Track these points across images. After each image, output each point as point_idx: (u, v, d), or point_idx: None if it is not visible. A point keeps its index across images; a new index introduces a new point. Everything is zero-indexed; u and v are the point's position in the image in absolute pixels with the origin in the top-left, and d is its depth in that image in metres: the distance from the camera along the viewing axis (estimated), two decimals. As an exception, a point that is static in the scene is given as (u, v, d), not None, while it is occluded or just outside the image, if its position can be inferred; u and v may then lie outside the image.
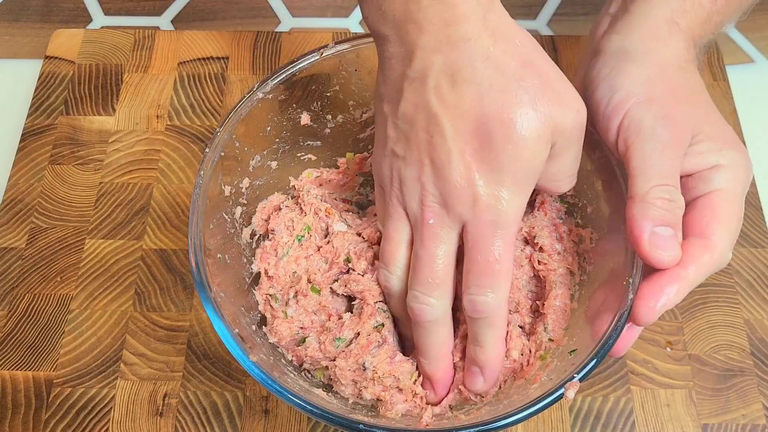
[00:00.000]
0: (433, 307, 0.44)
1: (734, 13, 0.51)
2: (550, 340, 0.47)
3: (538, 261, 0.49)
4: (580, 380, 0.41)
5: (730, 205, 0.43)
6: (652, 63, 0.46)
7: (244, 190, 0.52)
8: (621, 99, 0.45)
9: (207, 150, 0.48)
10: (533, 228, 0.50)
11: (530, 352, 0.47)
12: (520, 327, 0.49)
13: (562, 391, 0.41)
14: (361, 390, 0.47)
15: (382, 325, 0.48)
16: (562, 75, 0.41)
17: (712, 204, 0.43)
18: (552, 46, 0.74)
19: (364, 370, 0.47)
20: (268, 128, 0.53)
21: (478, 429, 0.40)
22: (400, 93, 0.42)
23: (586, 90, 0.48)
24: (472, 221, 0.42)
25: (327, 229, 0.52)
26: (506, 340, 0.47)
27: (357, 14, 0.80)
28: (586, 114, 0.42)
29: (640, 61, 0.46)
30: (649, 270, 0.42)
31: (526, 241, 0.51)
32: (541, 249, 0.50)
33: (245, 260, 0.52)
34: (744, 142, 0.68)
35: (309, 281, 0.50)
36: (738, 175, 0.44)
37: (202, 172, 0.47)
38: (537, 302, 0.49)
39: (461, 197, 0.42)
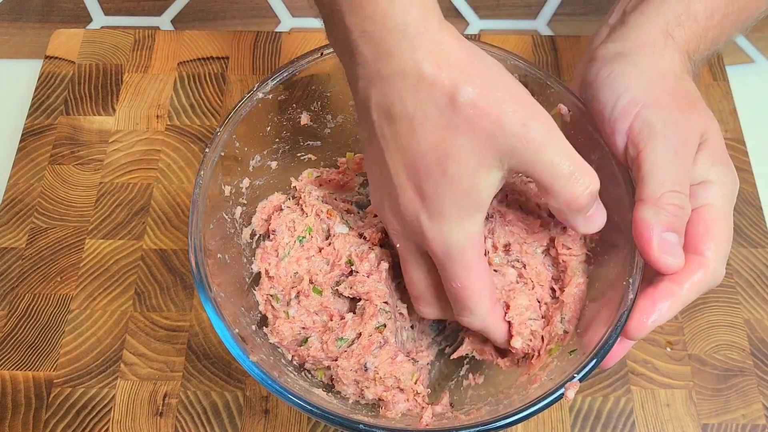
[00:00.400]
0: (427, 314, 0.48)
1: (732, 28, 0.51)
2: (565, 332, 0.46)
3: (563, 245, 0.48)
4: (580, 380, 0.41)
5: (720, 222, 0.43)
6: (649, 69, 0.46)
7: (244, 190, 0.52)
8: (628, 102, 0.44)
9: (207, 150, 0.48)
10: None
11: (542, 341, 0.47)
12: (538, 301, 0.48)
13: (562, 391, 0.41)
14: (363, 390, 0.47)
15: (384, 325, 0.48)
16: (507, 87, 0.39)
17: (704, 220, 0.43)
18: (552, 46, 0.74)
19: (366, 370, 0.47)
20: (268, 128, 0.53)
21: (478, 429, 0.40)
22: (360, 118, 0.43)
23: (585, 93, 0.48)
24: (429, 252, 0.43)
25: (328, 230, 0.52)
26: (510, 328, 0.47)
27: (357, 14, 0.80)
28: (545, 118, 0.39)
29: (638, 65, 0.46)
30: (645, 280, 0.43)
31: (551, 215, 0.49)
32: (564, 228, 0.48)
33: (245, 260, 0.52)
34: (744, 142, 0.68)
35: (311, 282, 0.50)
36: (727, 191, 0.44)
37: (202, 172, 0.47)
38: (554, 287, 0.49)
39: (413, 231, 0.43)
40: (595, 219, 0.42)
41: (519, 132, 0.38)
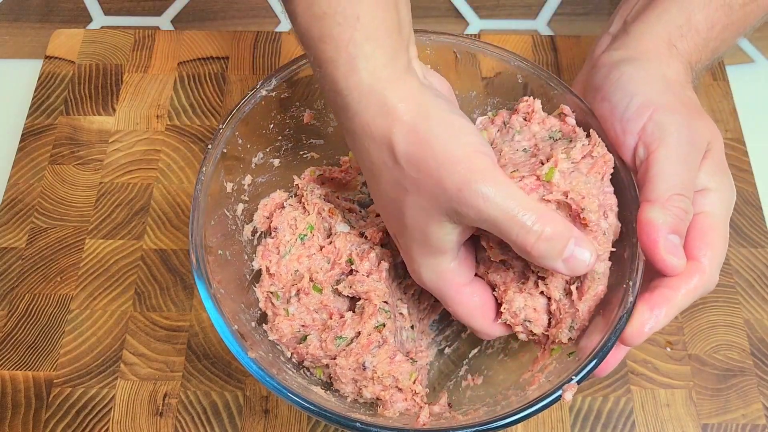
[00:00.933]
0: None
1: (732, 38, 0.51)
2: (570, 339, 0.45)
3: None
4: (578, 382, 0.41)
5: (717, 229, 0.44)
6: (657, 75, 0.46)
7: (246, 187, 0.52)
8: (641, 104, 0.44)
9: (209, 146, 0.48)
10: (576, 186, 0.42)
11: (546, 339, 0.46)
12: (542, 293, 0.45)
13: (559, 393, 0.41)
14: (361, 389, 0.47)
15: (383, 325, 0.48)
16: (451, 149, 0.38)
17: (701, 227, 0.44)
18: (552, 46, 0.74)
19: (364, 369, 0.47)
20: (271, 126, 0.53)
21: (475, 429, 0.40)
22: None
23: (595, 96, 0.47)
24: None
25: (330, 229, 0.53)
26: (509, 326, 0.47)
27: (357, 14, 0.80)
28: (487, 177, 0.38)
29: (646, 70, 0.46)
30: (644, 284, 0.43)
31: (570, 208, 0.43)
32: (584, 223, 0.42)
33: (246, 257, 0.52)
34: (744, 142, 0.68)
35: (311, 280, 0.50)
36: (724, 199, 0.45)
37: (204, 169, 0.47)
38: (571, 287, 0.44)
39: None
40: (577, 261, 0.40)
41: (456, 197, 0.39)
